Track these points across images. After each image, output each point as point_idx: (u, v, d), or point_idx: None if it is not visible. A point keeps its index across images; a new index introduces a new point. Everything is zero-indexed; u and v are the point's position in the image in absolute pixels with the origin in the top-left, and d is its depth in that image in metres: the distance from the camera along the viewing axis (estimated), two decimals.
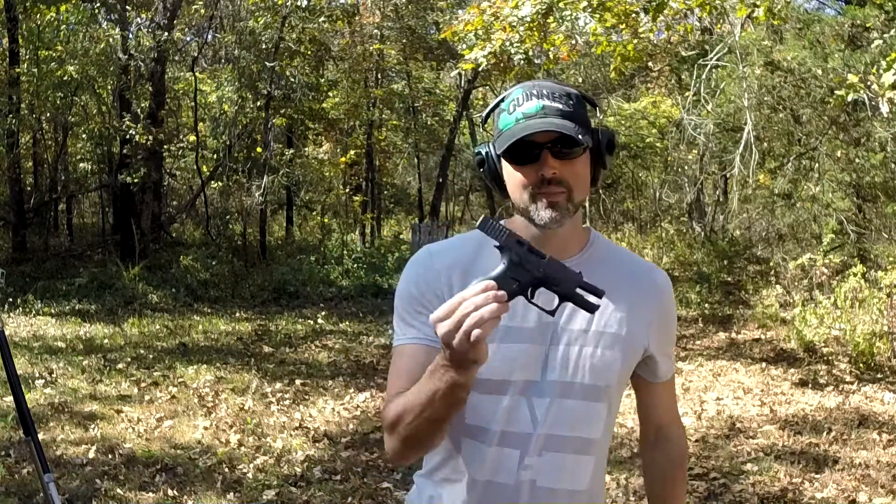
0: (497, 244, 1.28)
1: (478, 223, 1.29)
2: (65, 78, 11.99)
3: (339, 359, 7.27)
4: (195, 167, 14.14)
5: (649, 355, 1.49)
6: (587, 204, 15.21)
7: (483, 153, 1.46)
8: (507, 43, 7.24)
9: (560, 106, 1.37)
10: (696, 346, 7.80)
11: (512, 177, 1.41)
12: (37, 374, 6.17)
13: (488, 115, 1.47)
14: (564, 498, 1.44)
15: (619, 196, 18.27)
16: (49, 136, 15.20)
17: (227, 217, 13.51)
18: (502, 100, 1.43)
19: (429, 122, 16.60)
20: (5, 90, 11.73)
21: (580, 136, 1.34)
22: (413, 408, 1.34)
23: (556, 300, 1.29)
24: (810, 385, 6.18)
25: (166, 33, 12.03)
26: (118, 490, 4.04)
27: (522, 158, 1.38)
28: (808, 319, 7.26)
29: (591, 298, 1.27)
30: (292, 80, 13.25)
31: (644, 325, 1.47)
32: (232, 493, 4.07)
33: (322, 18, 12.84)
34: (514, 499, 1.43)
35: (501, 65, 7.95)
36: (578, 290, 1.27)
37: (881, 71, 5.47)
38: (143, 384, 6.09)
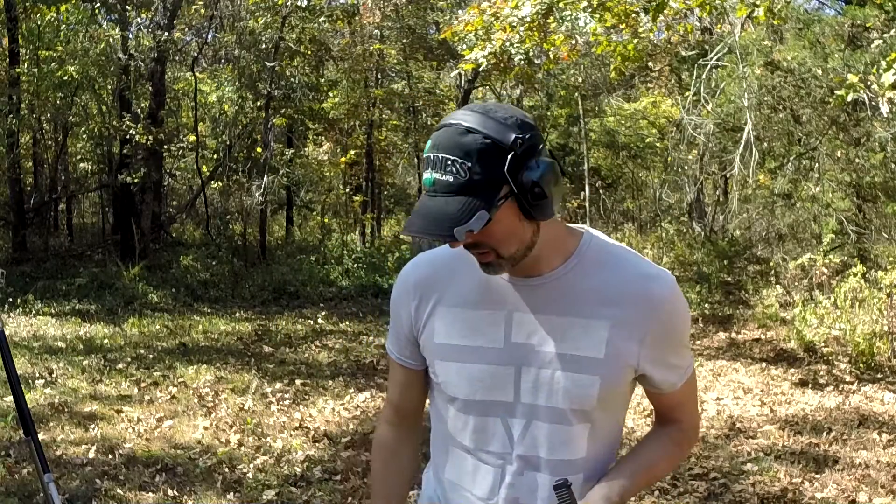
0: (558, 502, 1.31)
1: (555, 484, 1.32)
2: (65, 78, 11.98)
3: (339, 359, 7.27)
4: (195, 167, 14.14)
5: (643, 373, 1.41)
6: (587, 204, 15.21)
7: None
8: (507, 43, 7.24)
9: (450, 179, 1.25)
10: (696, 346, 7.80)
11: None
12: (37, 374, 6.17)
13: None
14: None
15: (619, 196, 18.28)
16: (49, 136, 15.19)
17: (227, 217, 13.51)
18: None
19: (429, 122, 16.59)
20: (5, 90, 11.73)
21: (457, 228, 1.22)
22: (371, 483, 1.60)
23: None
24: (810, 385, 6.18)
25: (166, 33, 12.03)
26: (118, 490, 4.04)
27: None
28: (808, 319, 7.26)
29: None
30: (292, 80, 13.25)
31: (632, 343, 1.37)
32: (232, 493, 4.07)
33: (322, 18, 12.84)
34: None
35: (501, 65, 7.95)
36: None
37: (881, 71, 5.47)
38: (143, 384, 6.09)
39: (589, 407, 1.38)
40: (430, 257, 1.52)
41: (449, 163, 1.25)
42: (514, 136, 1.26)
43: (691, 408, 1.55)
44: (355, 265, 12.24)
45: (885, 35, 6.93)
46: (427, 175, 1.29)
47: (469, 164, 1.25)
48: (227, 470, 4.37)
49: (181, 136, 13.66)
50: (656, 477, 1.70)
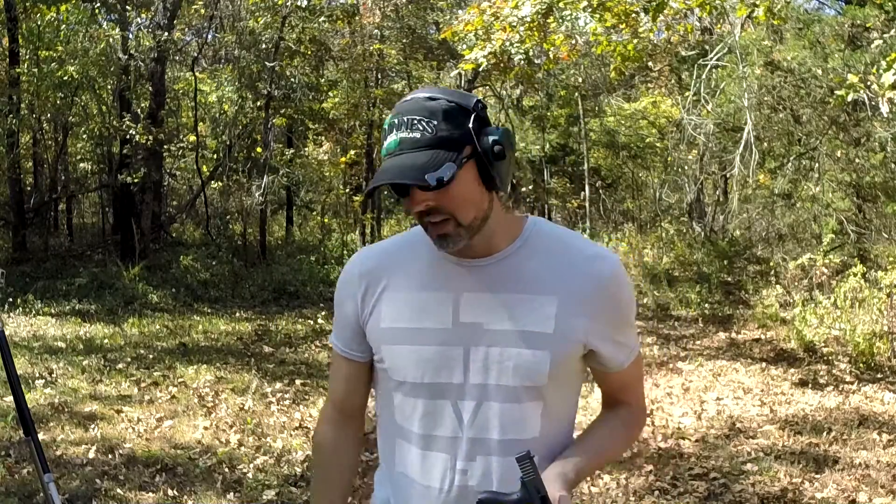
0: (523, 478, 1.29)
1: (518, 456, 1.29)
2: (65, 78, 11.98)
3: None
4: (195, 167, 14.14)
5: (592, 349, 1.42)
6: (587, 204, 15.21)
7: None
8: (507, 43, 7.24)
9: (416, 135, 1.30)
10: (696, 346, 7.80)
11: (405, 204, 1.39)
12: (37, 374, 6.16)
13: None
14: None
15: (619, 196, 18.27)
16: (49, 136, 15.19)
17: (227, 217, 13.51)
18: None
19: None
20: (5, 90, 11.73)
21: (428, 175, 1.26)
22: (312, 485, 1.60)
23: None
24: (810, 385, 6.18)
25: (166, 33, 12.03)
26: (118, 490, 4.04)
27: (400, 193, 1.36)
28: (808, 319, 7.26)
29: None
30: (292, 80, 13.24)
31: (580, 318, 1.38)
32: (232, 493, 4.07)
33: (322, 18, 12.84)
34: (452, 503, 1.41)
35: (501, 65, 7.95)
36: None
37: (881, 71, 5.47)
38: (143, 384, 6.09)
39: (540, 383, 1.38)
40: (374, 250, 1.53)
41: (415, 121, 1.31)
42: (474, 100, 1.36)
43: (639, 390, 1.57)
44: None
45: (885, 35, 6.94)
46: (392, 138, 1.32)
47: (435, 122, 1.31)
48: (227, 470, 4.37)
49: (181, 136, 13.66)
50: (609, 459, 1.70)
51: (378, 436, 1.54)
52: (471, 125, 1.33)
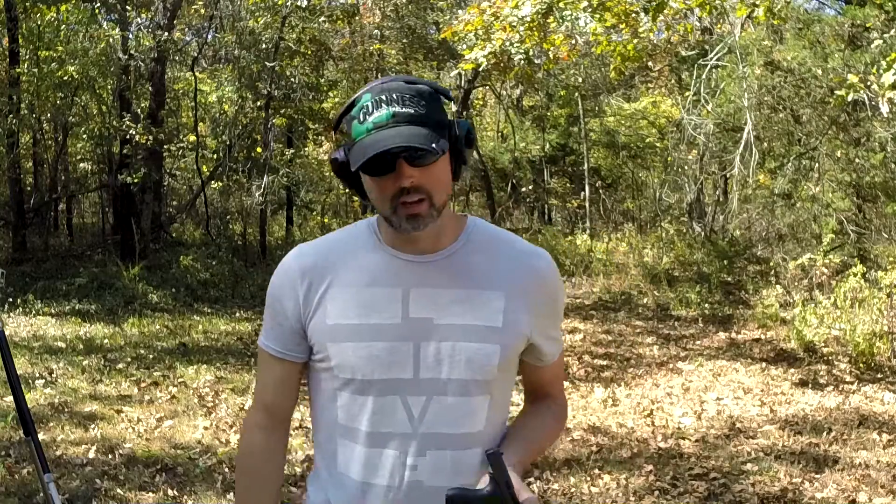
0: (491, 474, 1.29)
1: (489, 452, 1.29)
2: (65, 78, 11.98)
3: None
4: (195, 167, 14.13)
5: (533, 343, 1.46)
6: (587, 204, 15.22)
7: (339, 160, 1.40)
8: (507, 43, 7.24)
9: (411, 111, 1.32)
10: (696, 346, 7.80)
11: (370, 187, 1.37)
12: (37, 374, 6.17)
13: (339, 123, 1.42)
14: None
15: (619, 196, 18.28)
16: (49, 136, 15.19)
17: (227, 217, 13.52)
18: (352, 105, 1.37)
19: None
20: (5, 90, 11.73)
21: (434, 145, 1.29)
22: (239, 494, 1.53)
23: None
24: (810, 385, 6.18)
25: (166, 33, 12.03)
26: (118, 490, 4.04)
27: (378, 170, 1.33)
28: (808, 319, 7.26)
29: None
30: (292, 80, 13.25)
31: (525, 313, 1.42)
32: (232, 493, 4.07)
33: (322, 18, 12.84)
34: (402, 501, 1.40)
35: (501, 65, 7.96)
36: None
37: (881, 71, 5.47)
38: (143, 384, 6.09)
39: (490, 376, 1.41)
40: (314, 246, 1.49)
41: (406, 99, 1.32)
42: (448, 91, 1.41)
43: (561, 382, 1.63)
44: None
45: (885, 35, 6.94)
46: (382, 111, 1.32)
47: (424, 103, 1.33)
48: (227, 470, 4.36)
49: (181, 136, 13.66)
50: (541, 452, 1.71)
51: (316, 439, 1.51)
52: (449, 116, 1.38)
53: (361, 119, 1.34)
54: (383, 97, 1.33)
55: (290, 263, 1.47)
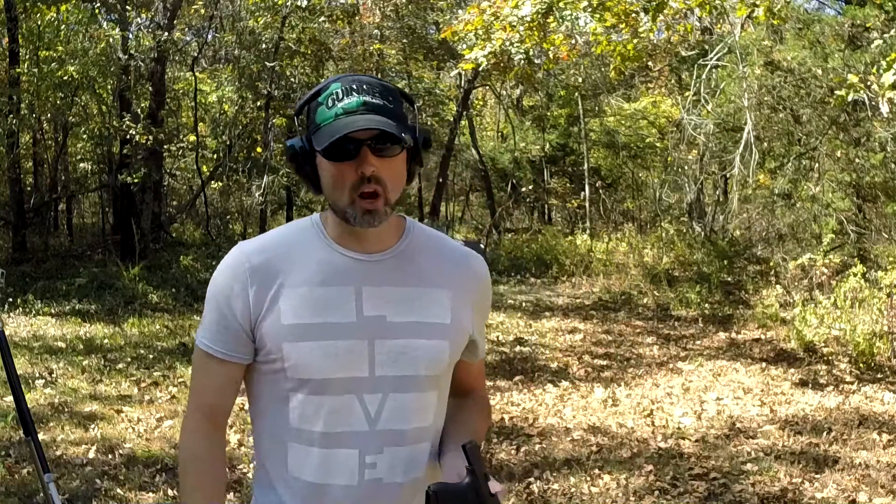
0: (469, 466, 1.30)
1: (466, 445, 1.31)
2: (65, 78, 11.98)
3: None
4: (195, 167, 14.14)
5: (472, 339, 1.51)
6: (587, 204, 15.22)
7: (296, 147, 1.40)
8: (507, 43, 7.24)
9: (380, 102, 1.34)
10: (696, 346, 7.80)
11: (329, 174, 1.37)
12: (37, 374, 6.16)
13: (301, 108, 1.41)
14: (410, 490, 1.42)
15: (619, 196, 18.28)
16: (49, 136, 15.20)
17: (227, 217, 13.52)
18: (318, 93, 1.38)
19: (429, 122, 16.60)
20: (5, 90, 11.73)
21: (402, 134, 1.33)
22: (182, 495, 1.46)
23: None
24: (810, 385, 6.18)
25: (166, 33, 12.03)
26: (118, 490, 4.04)
27: (340, 155, 1.33)
28: (808, 319, 7.26)
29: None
30: (292, 80, 13.25)
31: (467, 310, 1.47)
32: (232, 494, 4.07)
33: (322, 18, 12.84)
34: (361, 499, 1.40)
35: (501, 65, 7.96)
36: None
37: (881, 71, 5.47)
38: (143, 384, 6.09)
39: (441, 372, 1.45)
40: (257, 246, 1.45)
41: (376, 91, 1.35)
42: (411, 96, 1.45)
43: (484, 377, 1.69)
44: None
45: (885, 35, 6.94)
46: (352, 98, 1.34)
47: (392, 99, 1.37)
48: (226, 470, 4.36)
49: (181, 136, 13.67)
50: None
51: (261, 442, 1.49)
52: (410, 120, 1.41)
53: (330, 105, 1.35)
54: (354, 86, 1.35)
55: (236, 262, 1.43)
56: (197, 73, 14.11)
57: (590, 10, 7.15)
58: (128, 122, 11.72)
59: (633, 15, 7.18)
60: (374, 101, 1.34)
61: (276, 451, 1.45)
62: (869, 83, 6.00)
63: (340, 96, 1.34)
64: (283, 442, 1.43)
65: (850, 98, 6.13)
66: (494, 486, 1.29)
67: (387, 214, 1.37)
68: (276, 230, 1.52)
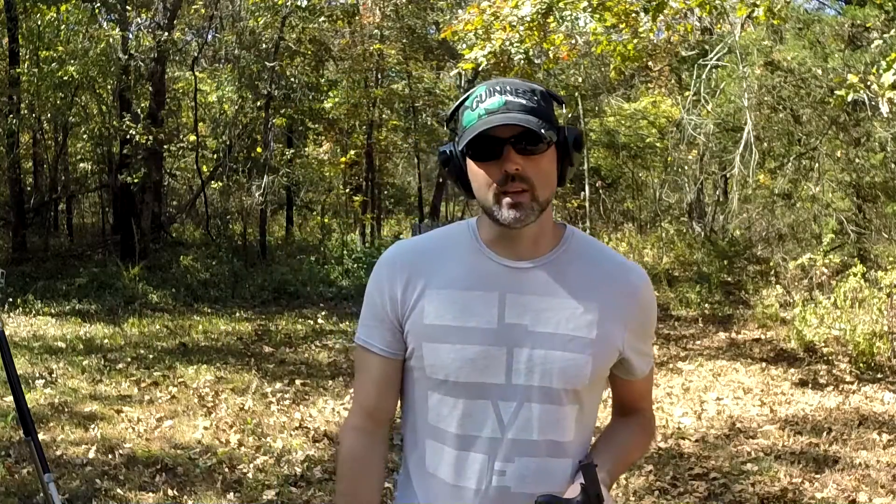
0: (583, 484, 1.29)
1: (582, 463, 1.31)
2: (65, 78, 11.98)
3: (339, 359, 7.27)
4: (195, 167, 14.15)
5: (625, 356, 1.46)
6: (587, 204, 15.21)
7: (448, 152, 1.42)
8: (507, 43, 7.24)
9: (523, 101, 1.34)
10: (696, 346, 7.80)
11: (475, 174, 1.38)
12: (37, 374, 6.16)
13: (453, 115, 1.43)
14: None
15: (619, 196, 18.27)
16: (49, 136, 15.20)
17: (227, 217, 13.52)
18: (466, 97, 1.40)
19: (429, 122, 16.60)
20: (5, 90, 11.73)
21: (543, 131, 1.32)
22: (337, 496, 1.49)
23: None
24: (810, 385, 6.18)
25: (166, 33, 12.04)
26: (118, 490, 4.04)
27: (485, 155, 1.35)
28: (808, 319, 7.26)
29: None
30: (292, 80, 13.26)
31: (618, 327, 1.43)
32: (232, 493, 4.07)
33: (322, 18, 12.85)
34: None
35: (501, 65, 7.95)
36: None
37: (881, 71, 5.47)
38: (143, 384, 6.09)
39: (581, 387, 1.41)
40: (412, 244, 1.50)
41: (520, 91, 1.36)
42: (561, 98, 1.43)
43: (651, 397, 1.63)
44: (355, 265, 12.24)
45: (885, 35, 6.93)
46: (496, 98, 1.34)
47: (537, 98, 1.37)
48: (227, 470, 4.37)
49: (181, 136, 13.67)
50: (629, 466, 1.73)
51: (406, 436, 1.51)
52: (558, 120, 1.41)
53: (474, 106, 1.36)
54: (497, 87, 1.36)
55: (390, 260, 1.48)
56: (197, 73, 14.10)
57: (590, 10, 7.14)
58: (128, 122, 11.72)
59: (633, 15, 7.17)
60: (516, 99, 1.34)
61: (415, 449, 1.48)
62: (869, 83, 6.00)
63: (484, 98, 1.36)
64: (422, 439, 1.46)
65: (850, 98, 6.13)
66: None
67: (534, 211, 1.35)
68: (435, 231, 1.54)
